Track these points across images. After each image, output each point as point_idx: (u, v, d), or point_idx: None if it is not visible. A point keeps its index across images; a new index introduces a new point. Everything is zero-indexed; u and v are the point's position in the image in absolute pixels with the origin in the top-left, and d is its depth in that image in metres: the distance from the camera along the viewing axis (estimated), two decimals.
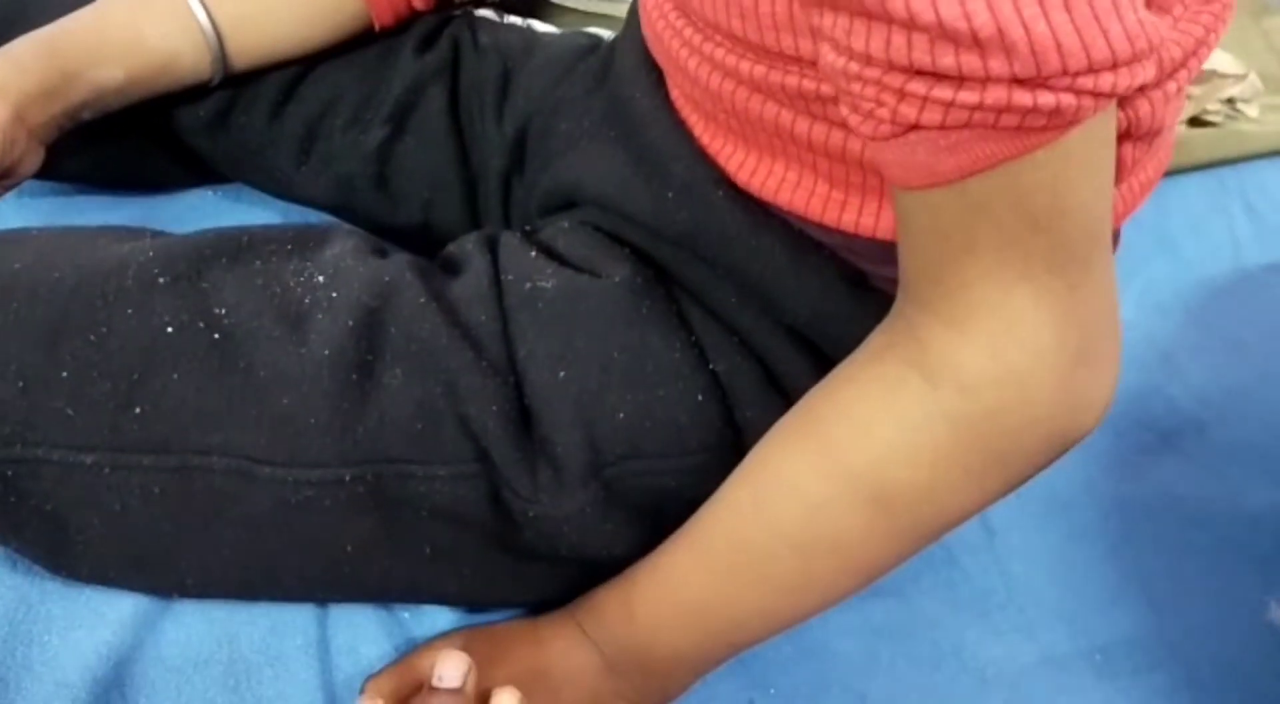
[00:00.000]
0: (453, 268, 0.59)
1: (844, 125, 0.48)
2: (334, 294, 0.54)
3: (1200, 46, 0.48)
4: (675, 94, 0.57)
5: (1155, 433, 0.80)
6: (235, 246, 0.55)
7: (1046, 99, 0.37)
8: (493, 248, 0.60)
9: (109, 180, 0.78)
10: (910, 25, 0.36)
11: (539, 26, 0.78)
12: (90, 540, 0.52)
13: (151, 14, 0.65)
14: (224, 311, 0.52)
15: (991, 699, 0.63)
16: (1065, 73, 0.36)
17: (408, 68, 0.73)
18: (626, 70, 0.60)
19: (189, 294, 0.52)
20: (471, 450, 0.53)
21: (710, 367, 0.56)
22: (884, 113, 0.39)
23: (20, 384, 0.49)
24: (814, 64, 0.46)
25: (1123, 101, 0.45)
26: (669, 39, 0.54)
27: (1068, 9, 0.36)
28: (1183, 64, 0.48)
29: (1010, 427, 0.45)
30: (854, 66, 0.39)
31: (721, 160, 0.55)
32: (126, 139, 0.71)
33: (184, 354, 0.51)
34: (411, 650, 0.57)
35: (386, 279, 0.55)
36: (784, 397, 0.56)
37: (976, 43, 0.36)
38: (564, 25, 0.80)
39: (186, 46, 0.66)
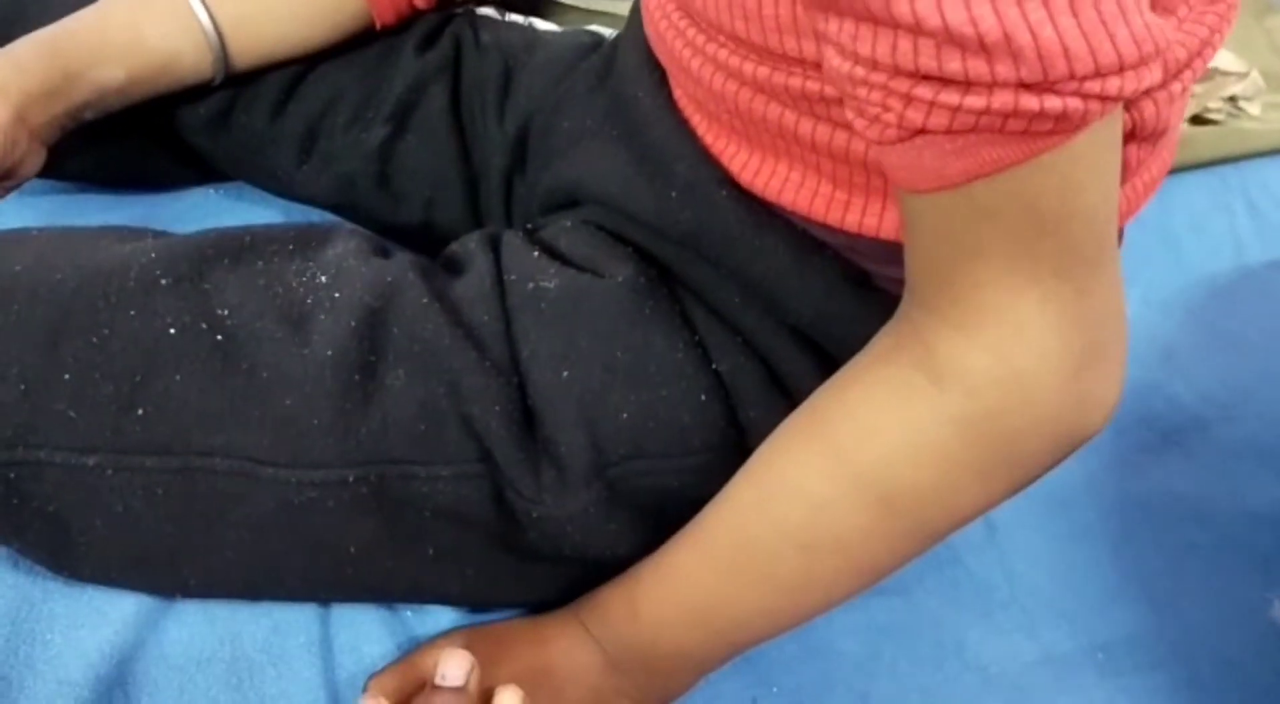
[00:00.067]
0: (455, 267, 0.59)
1: (847, 126, 0.48)
2: (336, 294, 0.54)
3: (1205, 47, 0.48)
4: (678, 93, 0.57)
5: (1157, 431, 0.80)
6: (237, 247, 0.55)
7: (1053, 103, 0.37)
8: (495, 247, 0.60)
9: (110, 179, 0.78)
10: (916, 30, 0.36)
11: (540, 24, 0.78)
12: (93, 542, 0.52)
13: (152, 14, 0.65)
14: (226, 312, 0.52)
15: (994, 698, 0.63)
16: (1072, 77, 0.36)
17: (409, 66, 0.73)
18: (629, 69, 0.60)
19: (191, 295, 0.52)
20: (475, 451, 0.53)
21: (713, 366, 0.56)
22: (890, 117, 0.39)
23: (22, 386, 0.49)
24: (817, 66, 0.46)
25: (1128, 103, 0.45)
26: (672, 39, 0.53)
27: (1074, 13, 0.36)
28: (1187, 65, 0.48)
29: (1017, 429, 0.45)
30: (859, 71, 0.39)
31: (725, 160, 0.55)
32: (127, 138, 0.71)
33: (186, 355, 0.51)
34: (414, 649, 0.57)
35: (389, 279, 0.55)
36: (787, 397, 0.56)
37: (983, 48, 0.36)
38: (565, 23, 0.80)
39: (188, 46, 0.66)
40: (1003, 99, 0.37)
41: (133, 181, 0.78)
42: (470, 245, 0.61)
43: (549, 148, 0.67)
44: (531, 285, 0.56)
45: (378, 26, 0.72)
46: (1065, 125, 0.38)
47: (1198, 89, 1.03)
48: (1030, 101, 0.37)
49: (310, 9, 0.69)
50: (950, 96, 0.37)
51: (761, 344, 0.56)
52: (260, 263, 0.54)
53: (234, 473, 0.51)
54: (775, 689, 0.61)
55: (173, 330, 0.51)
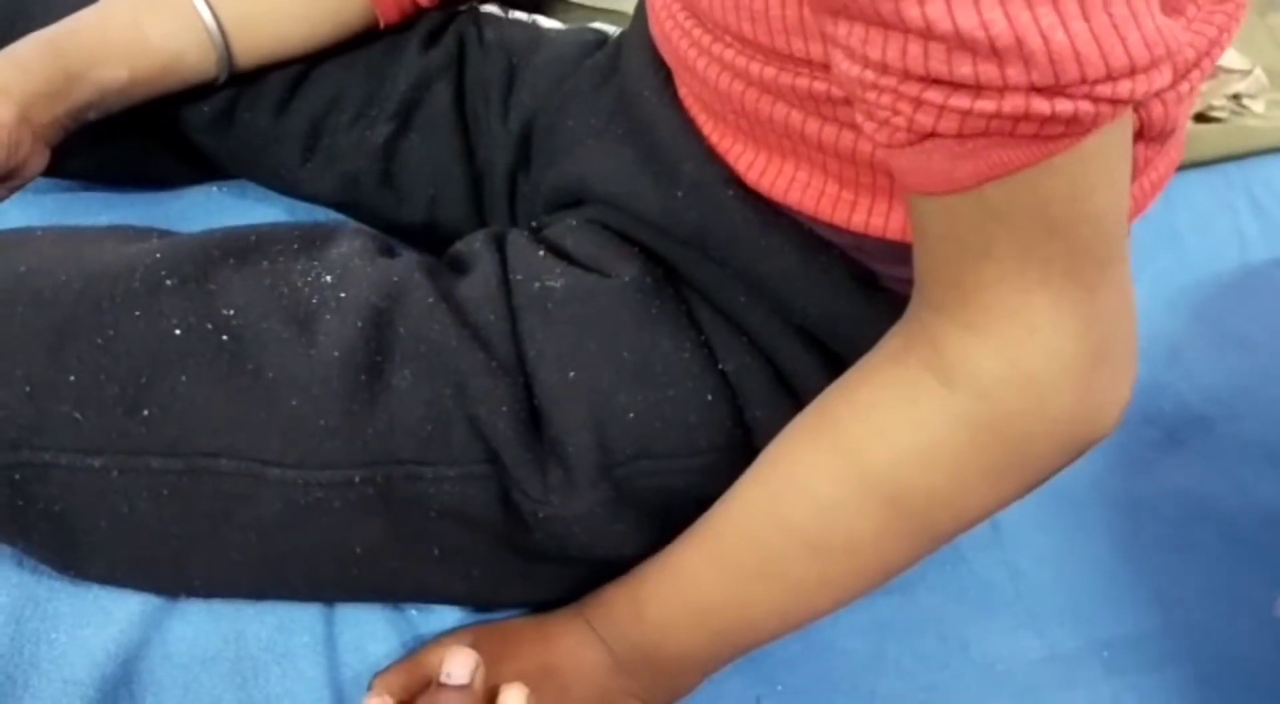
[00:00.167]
0: (460, 267, 0.59)
1: (854, 126, 0.48)
2: (342, 295, 0.54)
3: (1213, 47, 0.48)
4: (684, 93, 0.57)
5: (1162, 429, 0.80)
6: (242, 247, 0.54)
7: (1064, 107, 0.37)
8: (500, 247, 0.60)
9: (113, 178, 0.78)
10: (927, 35, 0.36)
11: (544, 22, 0.77)
12: (98, 543, 0.52)
13: (155, 13, 0.65)
14: (232, 313, 0.52)
15: (999, 696, 0.63)
16: (1083, 81, 0.36)
17: (413, 64, 0.72)
18: (634, 68, 0.60)
19: (196, 296, 0.52)
20: (481, 451, 0.53)
21: (720, 366, 0.56)
22: (900, 121, 0.39)
23: (27, 388, 0.49)
24: (824, 66, 0.46)
25: (1137, 104, 0.45)
26: (677, 39, 0.53)
27: (1086, 17, 0.35)
28: (1196, 65, 0.47)
29: (1028, 431, 0.45)
30: (869, 75, 0.39)
31: (731, 160, 0.55)
32: (130, 136, 0.71)
33: (192, 356, 0.50)
34: (419, 647, 0.57)
35: (395, 279, 0.55)
36: (794, 397, 0.56)
37: (994, 52, 0.36)
38: (569, 21, 0.80)
39: (191, 45, 0.66)
40: (1014, 103, 0.37)
41: (136, 180, 0.78)
42: (475, 245, 0.61)
43: (553, 146, 0.67)
44: (538, 285, 0.56)
45: (381, 25, 0.72)
46: (1076, 128, 0.38)
47: (1202, 87, 1.03)
48: (1041, 105, 0.37)
49: (314, 8, 0.69)
50: (961, 100, 0.37)
51: (768, 344, 0.56)
52: (265, 262, 0.54)
53: (240, 474, 0.51)
54: (780, 687, 0.61)
55: (178, 331, 0.51)
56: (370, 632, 0.58)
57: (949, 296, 0.44)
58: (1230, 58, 1.04)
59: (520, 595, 0.59)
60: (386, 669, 0.56)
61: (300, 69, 0.71)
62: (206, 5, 0.66)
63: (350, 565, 0.54)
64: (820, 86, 0.47)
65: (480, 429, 0.53)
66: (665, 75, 0.58)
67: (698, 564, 0.53)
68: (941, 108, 0.38)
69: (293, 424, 0.51)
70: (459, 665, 0.50)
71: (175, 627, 0.56)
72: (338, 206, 0.77)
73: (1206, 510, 0.75)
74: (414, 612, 0.59)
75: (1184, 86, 0.47)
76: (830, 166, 0.51)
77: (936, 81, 0.37)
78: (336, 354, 0.51)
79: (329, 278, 0.54)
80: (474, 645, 0.53)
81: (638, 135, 0.59)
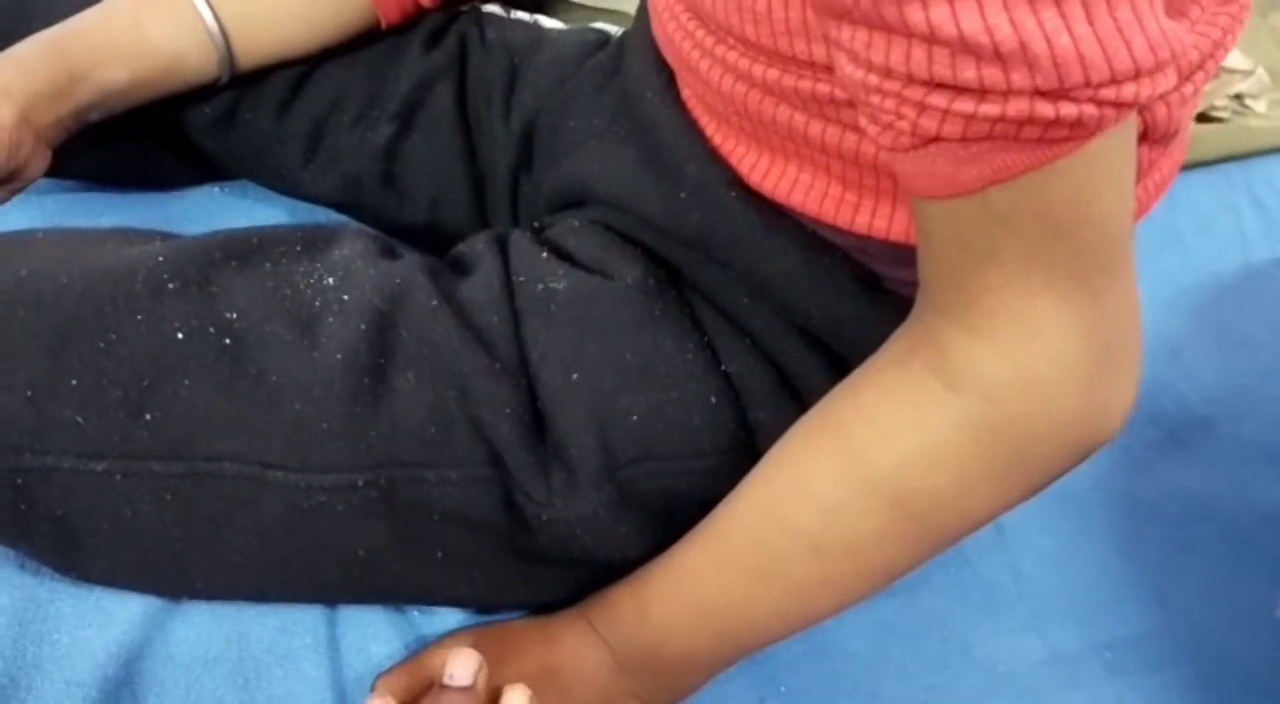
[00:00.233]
0: (463, 268, 0.59)
1: (857, 128, 0.48)
2: (345, 297, 0.53)
3: (1217, 48, 0.48)
4: (686, 94, 0.57)
5: (1164, 429, 0.80)
6: (244, 249, 0.54)
7: (1069, 110, 0.37)
8: (503, 248, 0.60)
9: (114, 178, 0.77)
10: (931, 39, 0.36)
11: (546, 22, 0.77)
12: (100, 546, 0.52)
13: (157, 14, 0.65)
14: (234, 316, 0.52)
15: (1001, 697, 0.63)
16: (1088, 84, 0.36)
17: (415, 65, 0.72)
18: (637, 69, 0.60)
19: (198, 299, 0.52)
20: (484, 454, 0.53)
21: (723, 368, 0.56)
22: (904, 125, 0.39)
23: (29, 393, 0.49)
24: (828, 69, 0.46)
25: (1140, 107, 0.45)
26: (680, 41, 0.53)
27: (1090, 21, 0.35)
28: (1200, 66, 0.47)
29: (1034, 434, 0.45)
30: (873, 79, 0.39)
31: (734, 161, 0.54)
32: (132, 137, 0.71)
33: (194, 360, 0.50)
34: (422, 648, 0.57)
35: (397, 281, 0.55)
36: (797, 398, 0.56)
37: (999, 56, 0.36)
38: (571, 20, 0.80)
39: (192, 47, 0.66)
40: (1018, 107, 0.37)
41: (137, 181, 0.78)
42: (478, 246, 0.61)
43: (555, 146, 0.67)
44: (540, 287, 0.56)
45: (383, 25, 0.72)
46: (1081, 132, 0.38)
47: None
48: (1046, 109, 0.37)
49: (315, 9, 0.69)
50: (965, 104, 0.37)
51: (771, 346, 0.56)
52: (268, 264, 0.54)
53: (243, 477, 0.50)
54: (783, 689, 0.61)
55: (180, 335, 0.50)
56: (373, 633, 0.58)
57: (953, 300, 0.44)
58: (1232, 58, 1.04)
59: (523, 598, 0.59)
60: (389, 670, 0.56)
61: (302, 70, 0.71)
62: (208, 6, 0.65)
63: (353, 568, 0.54)
64: (823, 88, 0.47)
65: (483, 432, 0.53)
66: (668, 76, 0.58)
67: (701, 565, 0.53)
68: (945, 112, 0.38)
69: (295, 427, 0.51)
70: (462, 666, 0.50)
71: (177, 628, 0.56)
72: (339, 207, 0.77)
73: (1208, 511, 0.75)
74: (416, 613, 0.59)
75: (1188, 88, 0.47)
76: (833, 168, 0.51)
77: (940, 86, 0.37)
78: (339, 357, 0.51)
79: (331, 280, 0.54)
80: (476, 646, 0.53)
81: (640, 136, 0.59)
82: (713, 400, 0.55)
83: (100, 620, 0.55)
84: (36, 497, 0.50)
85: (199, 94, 0.70)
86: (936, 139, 0.39)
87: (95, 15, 0.65)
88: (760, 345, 0.56)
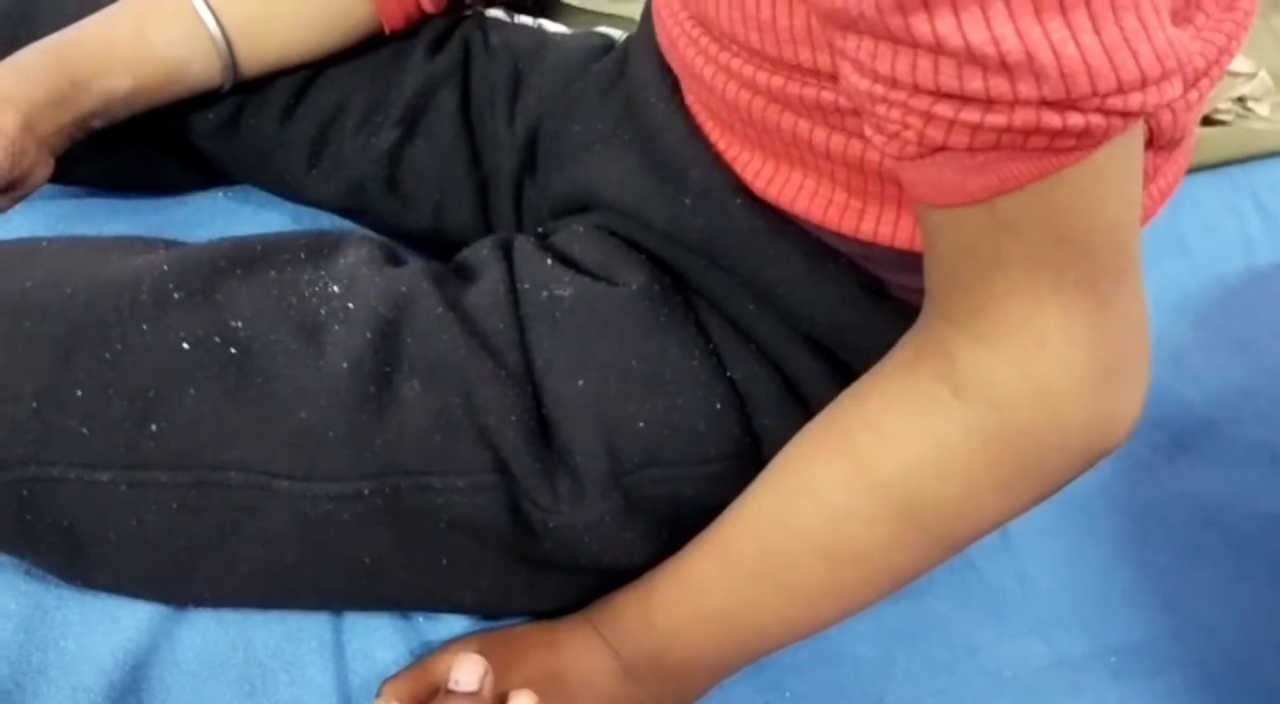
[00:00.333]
0: (468, 275, 0.59)
1: (862, 136, 0.47)
2: (350, 305, 0.53)
3: (1222, 55, 0.48)
4: (690, 100, 0.57)
5: (1169, 433, 0.80)
6: (249, 257, 0.54)
7: (1076, 120, 0.37)
8: (508, 254, 0.60)
9: (118, 185, 0.77)
10: (937, 50, 0.36)
11: (550, 27, 0.77)
12: (107, 556, 0.52)
13: (160, 21, 0.65)
14: (239, 325, 0.52)
15: (1007, 701, 0.63)
16: (1094, 94, 0.36)
17: (418, 70, 0.72)
18: (641, 75, 0.60)
19: (204, 308, 0.52)
20: (490, 461, 0.53)
21: (728, 375, 0.56)
22: (910, 135, 0.39)
23: (34, 403, 0.49)
24: (832, 77, 0.46)
25: (1147, 115, 0.45)
26: (684, 47, 0.53)
27: (1097, 31, 0.35)
28: (1205, 73, 0.47)
29: (1042, 442, 0.45)
30: (878, 89, 0.39)
31: (738, 167, 0.54)
32: (136, 144, 0.71)
33: (200, 370, 0.50)
34: (427, 654, 0.57)
35: (403, 289, 0.55)
36: (802, 405, 0.56)
37: (1005, 67, 0.36)
38: (575, 25, 0.79)
39: (196, 54, 0.66)
40: (1025, 117, 0.37)
41: (141, 187, 0.78)
42: (483, 252, 0.60)
43: (559, 151, 0.67)
44: (545, 294, 0.56)
45: (387, 31, 0.72)
46: (1088, 141, 0.38)
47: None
48: (1053, 119, 0.37)
49: (319, 15, 0.69)
50: (971, 114, 0.37)
51: (776, 352, 0.56)
52: (272, 273, 0.54)
53: (249, 487, 0.51)
54: (788, 694, 0.61)
55: (186, 345, 0.50)
56: (378, 639, 0.58)
57: (960, 307, 0.44)
58: (1235, 61, 1.03)
59: (529, 604, 0.59)
60: (395, 676, 0.56)
61: (305, 76, 0.71)
62: (211, 13, 0.65)
63: (359, 576, 0.54)
64: (828, 96, 0.47)
65: (489, 439, 0.53)
66: (672, 82, 0.58)
67: (707, 572, 0.53)
68: (952, 122, 0.38)
69: (301, 436, 0.51)
70: (467, 672, 0.50)
71: (184, 634, 0.56)
72: (343, 213, 0.77)
73: (1213, 515, 0.74)
74: (422, 619, 0.59)
75: (1193, 95, 0.47)
76: (838, 175, 0.51)
77: (947, 96, 0.37)
78: (345, 365, 0.51)
79: (336, 288, 0.54)
80: (482, 652, 0.53)
81: (644, 142, 0.59)
82: (718, 406, 0.55)
83: (106, 627, 0.55)
84: (43, 507, 0.50)
85: (202, 100, 0.70)
86: (943, 148, 0.39)
87: (98, 22, 0.65)
88: (765, 351, 0.56)
